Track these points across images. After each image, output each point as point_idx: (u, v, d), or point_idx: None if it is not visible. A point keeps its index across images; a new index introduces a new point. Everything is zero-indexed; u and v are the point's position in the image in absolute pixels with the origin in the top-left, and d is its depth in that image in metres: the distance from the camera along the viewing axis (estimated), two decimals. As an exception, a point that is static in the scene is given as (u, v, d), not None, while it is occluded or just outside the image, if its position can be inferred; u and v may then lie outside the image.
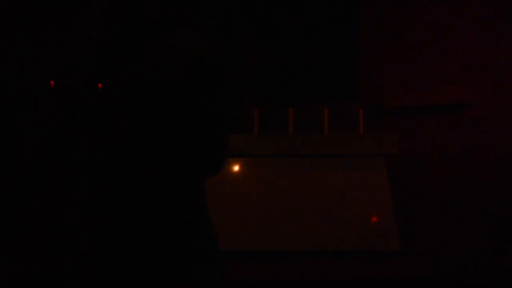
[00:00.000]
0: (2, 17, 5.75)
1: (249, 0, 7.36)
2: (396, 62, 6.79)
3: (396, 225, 5.94)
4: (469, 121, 6.47)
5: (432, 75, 6.64)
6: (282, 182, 6.19)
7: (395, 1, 6.80)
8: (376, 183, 6.10)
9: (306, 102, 6.95)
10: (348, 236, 5.94)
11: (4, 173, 5.27)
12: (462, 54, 6.53)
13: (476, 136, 6.44)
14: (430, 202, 6.51)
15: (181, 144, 1.97)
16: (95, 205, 2.03)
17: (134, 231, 1.93)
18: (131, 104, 2.01)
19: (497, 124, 6.38)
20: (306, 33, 7.27)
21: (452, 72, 6.57)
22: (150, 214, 1.94)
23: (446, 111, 6.55)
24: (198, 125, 1.98)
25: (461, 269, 5.32)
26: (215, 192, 6.19)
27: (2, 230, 5.10)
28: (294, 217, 6.05)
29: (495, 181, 6.33)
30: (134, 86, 2.03)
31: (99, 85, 2.09)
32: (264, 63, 7.32)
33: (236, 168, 6.28)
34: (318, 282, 4.97)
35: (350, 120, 6.60)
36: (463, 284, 4.86)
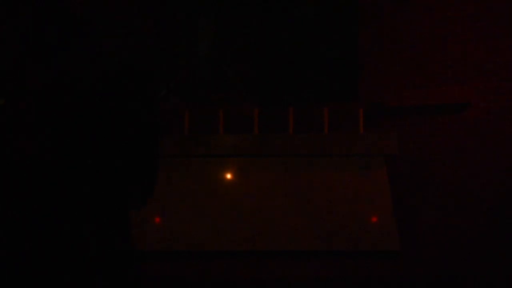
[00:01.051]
0: None
1: (250, 1, 7.36)
2: (396, 62, 6.80)
3: (396, 225, 5.94)
4: (469, 121, 6.48)
5: (432, 75, 6.64)
6: (282, 182, 6.19)
7: (395, 2, 6.80)
8: (376, 183, 6.10)
9: (306, 102, 6.96)
10: (348, 235, 5.95)
11: None
12: (462, 54, 6.53)
13: (476, 136, 6.44)
14: (430, 201, 6.52)
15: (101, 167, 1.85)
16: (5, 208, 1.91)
17: (49, 232, 1.87)
18: (43, 118, 1.85)
19: (497, 124, 6.38)
20: (307, 33, 7.27)
21: (452, 72, 6.57)
22: (68, 215, 1.88)
23: (445, 111, 6.55)
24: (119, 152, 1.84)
25: (461, 268, 5.32)
26: (215, 192, 6.20)
27: None
28: (294, 217, 6.05)
29: (494, 181, 6.33)
30: (48, 97, 1.86)
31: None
32: (265, 63, 7.33)
33: (236, 168, 6.29)
34: (318, 281, 4.98)
35: (350, 120, 6.60)
36: (463, 284, 4.87)
